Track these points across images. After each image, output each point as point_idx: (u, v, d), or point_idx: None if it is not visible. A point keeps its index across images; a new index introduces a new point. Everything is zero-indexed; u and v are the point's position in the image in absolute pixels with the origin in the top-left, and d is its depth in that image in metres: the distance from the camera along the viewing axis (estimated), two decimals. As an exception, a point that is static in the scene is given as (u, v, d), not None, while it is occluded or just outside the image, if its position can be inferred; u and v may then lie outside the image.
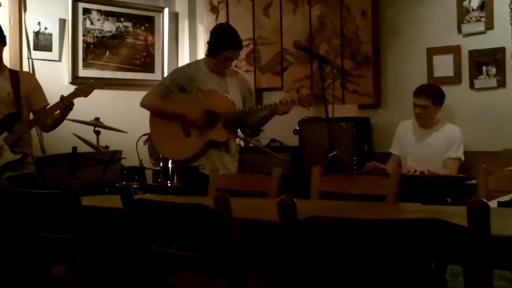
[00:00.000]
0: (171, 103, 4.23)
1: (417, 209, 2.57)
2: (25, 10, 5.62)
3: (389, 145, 4.89)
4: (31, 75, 4.47)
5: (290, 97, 5.85)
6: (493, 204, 2.79)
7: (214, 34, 4.25)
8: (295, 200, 1.83)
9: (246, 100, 4.33)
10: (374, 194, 3.04)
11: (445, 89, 4.91)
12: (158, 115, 4.30)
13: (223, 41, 4.17)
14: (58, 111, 4.04)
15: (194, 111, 4.15)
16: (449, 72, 5.03)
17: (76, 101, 4.11)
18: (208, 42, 4.28)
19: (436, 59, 5.10)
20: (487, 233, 1.56)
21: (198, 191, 3.59)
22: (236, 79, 4.36)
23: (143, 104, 4.34)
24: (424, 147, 4.65)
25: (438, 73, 5.09)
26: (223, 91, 4.23)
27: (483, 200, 1.58)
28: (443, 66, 5.05)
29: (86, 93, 4.08)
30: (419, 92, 4.60)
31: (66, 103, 3.99)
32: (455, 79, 5.00)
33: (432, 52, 5.13)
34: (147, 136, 5.04)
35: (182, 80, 4.23)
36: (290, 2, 5.95)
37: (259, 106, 4.21)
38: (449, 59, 5.02)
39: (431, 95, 4.57)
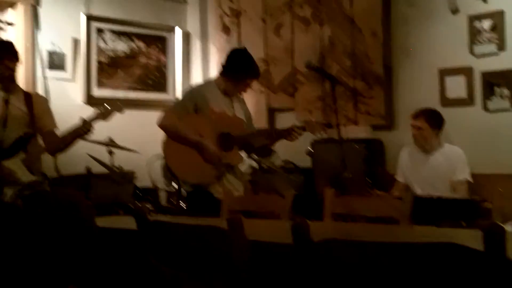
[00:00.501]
0: (190, 129, 4.14)
1: (431, 232, 2.55)
2: (38, 29, 5.67)
3: (402, 167, 4.89)
4: (43, 98, 4.50)
5: (302, 117, 5.90)
6: (508, 227, 2.77)
7: (240, 60, 4.25)
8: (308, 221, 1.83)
9: (248, 124, 4.35)
10: (387, 216, 3.03)
11: (458, 110, 4.91)
12: (175, 138, 4.19)
13: (249, 69, 4.21)
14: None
15: (209, 137, 4.11)
16: (462, 93, 5.01)
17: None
18: (227, 65, 4.25)
19: (448, 80, 5.09)
20: (503, 257, 1.55)
21: (210, 215, 3.55)
22: (240, 102, 4.39)
23: (164, 126, 4.21)
24: (428, 172, 4.63)
25: (450, 94, 5.08)
26: (230, 114, 4.24)
27: (499, 223, 1.57)
28: (456, 87, 5.04)
29: (106, 117, 4.10)
30: (416, 114, 4.64)
31: (88, 127, 4.00)
32: (468, 101, 4.99)
33: (444, 73, 5.12)
34: (161, 157, 4.97)
35: (198, 100, 4.20)
36: (301, 22, 5.97)
37: (273, 131, 4.25)
38: (461, 80, 5.01)
39: (427, 117, 4.59)
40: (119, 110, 4.18)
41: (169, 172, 4.24)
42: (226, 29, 6.56)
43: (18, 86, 4.23)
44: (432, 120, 4.60)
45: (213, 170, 4.13)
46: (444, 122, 4.67)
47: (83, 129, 4.01)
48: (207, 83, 4.53)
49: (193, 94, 4.31)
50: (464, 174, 4.54)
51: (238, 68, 4.18)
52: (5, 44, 4.25)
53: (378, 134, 5.41)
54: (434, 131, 4.62)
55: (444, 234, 2.52)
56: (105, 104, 4.24)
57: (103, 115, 4.09)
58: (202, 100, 4.19)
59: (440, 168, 4.59)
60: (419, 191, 4.61)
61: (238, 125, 4.20)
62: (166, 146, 4.25)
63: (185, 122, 4.17)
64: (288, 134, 4.13)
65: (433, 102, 4.98)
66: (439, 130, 4.65)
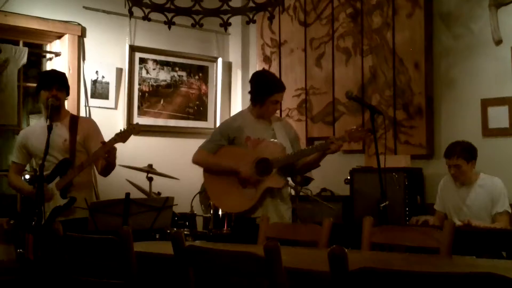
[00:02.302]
0: (223, 159, 4.21)
1: (471, 263, 2.51)
2: (83, 59, 5.80)
3: (442, 197, 4.82)
4: (90, 121, 4.55)
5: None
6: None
7: (256, 82, 4.29)
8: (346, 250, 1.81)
9: (294, 145, 4.32)
10: (427, 246, 2.99)
11: (501, 141, 4.85)
12: (211, 171, 4.28)
13: (267, 86, 4.21)
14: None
15: (246, 163, 4.13)
16: (504, 123, 4.95)
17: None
18: (251, 92, 4.29)
19: (491, 110, 5.03)
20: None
21: (253, 241, 3.55)
22: (281, 124, 4.37)
23: (195, 161, 4.33)
24: (468, 206, 4.53)
25: (493, 124, 5.01)
26: (271, 138, 4.24)
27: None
28: (498, 117, 4.98)
29: (123, 139, 4.13)
30: (450, 152, 4.53)
31: (105, 149, 4.02)
32: (510, 131, 4.92)
33: (486, 103, 5.06)
34: (203, 192, 5.05)
35: (231, 132, 4.25)
36: (342, 53, 6.00)
37: (310, 147, 4.21)
38: (504, 110, 4.95)
39: (462, 153, 4.47)
40: (136, 132, 4.20)
41: (205, 198, 4.25)
42: (267, 59, 6.62)
43: (65, 112, 4.30)
44: (467, 154, 4.49)
45: (253, 196, 4.14)
46: (477, 151, 4.56)
47: (102, 151, 4.02)
48: (240, 113, 4.57)
49: (224, 127, 4.38)
50: (504, 206, 4.44)
51: (259, 90, 4.22)
52: (56, 73, 4.35)
53: (418, 164, 5.35)
54: (470, 164, 4.51)
55: (485, 265, 2.47)
56: (127, 127, 4.28)
57: (121, 137, 4.12)
58: (235, 131, 4.24)
59: (479, 200, 4.50)
60: (457, 222, 4.53)
61: (275, 148, 4.19)
62: (205, 181, 4.33)
63: (222, 154, 4.22)
64: (327, 146, 4.07)
65: (475, 133, 4.93)
66: (475, 161, 4.54)
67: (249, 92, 4.31)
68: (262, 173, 4.14)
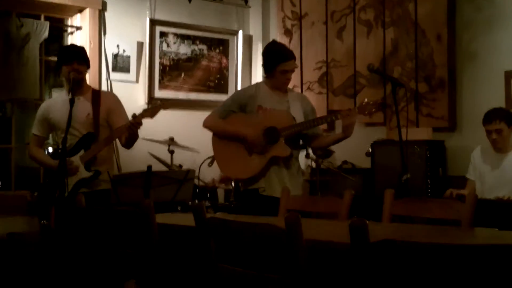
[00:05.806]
0: (232, 124, 4.25)
1: (494, 235, 2.50)
2: (104, 33, 5.81)
3: (464, 169, 4.76)
4: (112, 95, 4.56)
5: (362, 119, 5.85)
6: None
7: (264, 54, 4.31)
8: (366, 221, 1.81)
9: (309, 117, 4.31)
10: (448, 218, 2.97)
11: (524, 113, 4.79)
12: (220, 136, 4.32)
13: (273, 57, 4.22)
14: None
15: (254, 130, 4.15)
16: (528, 94, 4.89)
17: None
18: (263, 64, 4.32)
19: (515, 82, 4.98)
20: None
21: (257, 212, 3.57)
22: (298, 97, 4.38)
23: (205, 126, 4.39)
24: (501, 173, 4.49)
25: (516, 96, 4.96)
26: (284, 109, 4.23)
27: None
28: (522, 88, 4.93)
29: (151, 114, 4.14)
30: (490, 118, 4.47)
31: (132, 122, 4.05)
32: (535, 103, 4.87)
33: (510, 75, 5.01)
34: (211, 159, 5.09)
35: (243, 100, 4.28)
36: (363, 26, 5.94)
37: (318, 118, 4.20)
38: (527, 82, 4.90)
39: (503, 118, 4.43)
40: (164, 107, 4.21)
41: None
42: (287, 32, 6.58)
43: (87, 86, 4.32)
44: (507, 118, 4.43)
45: (258, 164, 4.15)
46: None
47: (132, 123, 4.04)
48: (256, 84, 4.58)
49: (237, 95, 4.51)
50: None
51: (265, 61, 4.25)
52: (76, 48, 4.36)
53: (440, 136, 5.32)
54: (511, 128, 4.46)
55: (507, 237, 2.46)
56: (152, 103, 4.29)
57: (148, 112, 4.13)
58: (248, 99, 4.26)
59: None
60: (488, 190, 4.47)
61: (283, 118, 4.18)
62: (214, 146, 4.37)
63: (231, 120, 4.26)
64: (336, 116, 4.09)
65: (498, 105, 4.85)
66: None
67: (262, 65, 4.33)
68: (269, 142, 4.14)
